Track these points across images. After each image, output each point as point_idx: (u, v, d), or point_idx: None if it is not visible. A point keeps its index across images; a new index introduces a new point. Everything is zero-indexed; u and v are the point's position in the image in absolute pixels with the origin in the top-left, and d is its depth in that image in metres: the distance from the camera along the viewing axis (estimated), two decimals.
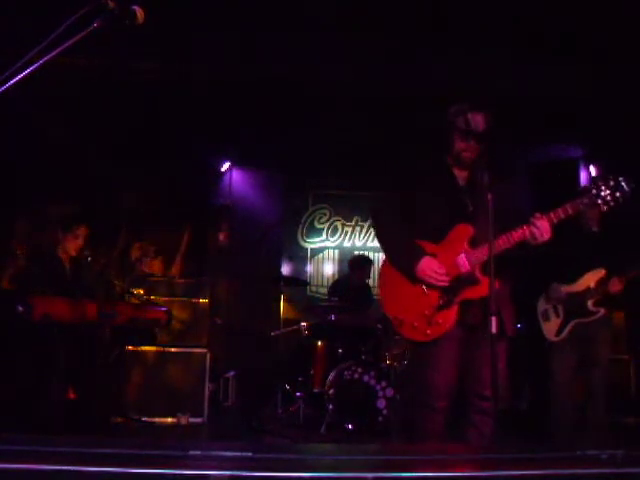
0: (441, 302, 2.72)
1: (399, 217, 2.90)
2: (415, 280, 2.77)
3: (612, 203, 2.53)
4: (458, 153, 2.79)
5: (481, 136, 2.73)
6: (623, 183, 2.52)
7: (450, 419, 2.80)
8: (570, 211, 2.59)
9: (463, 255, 2.71)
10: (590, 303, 3.99)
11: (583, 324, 4.02)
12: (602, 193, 2.53)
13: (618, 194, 2.51)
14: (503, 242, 2.63)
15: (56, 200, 6.40)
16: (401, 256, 2.86)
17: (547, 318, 4.15)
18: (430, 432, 2.76)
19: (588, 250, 3.97)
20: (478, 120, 2.74)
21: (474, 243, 2.69)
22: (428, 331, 2.73)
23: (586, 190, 2.59)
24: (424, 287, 2.76)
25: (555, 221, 2.60)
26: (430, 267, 2.72)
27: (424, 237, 2.81)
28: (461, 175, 2.86)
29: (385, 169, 4.29)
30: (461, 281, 2.70)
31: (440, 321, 2.71)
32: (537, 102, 5.72)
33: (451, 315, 2.71)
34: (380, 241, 3.03)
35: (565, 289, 4.08)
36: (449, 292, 2.71)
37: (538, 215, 2.61)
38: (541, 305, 4.21)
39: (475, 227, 2.69)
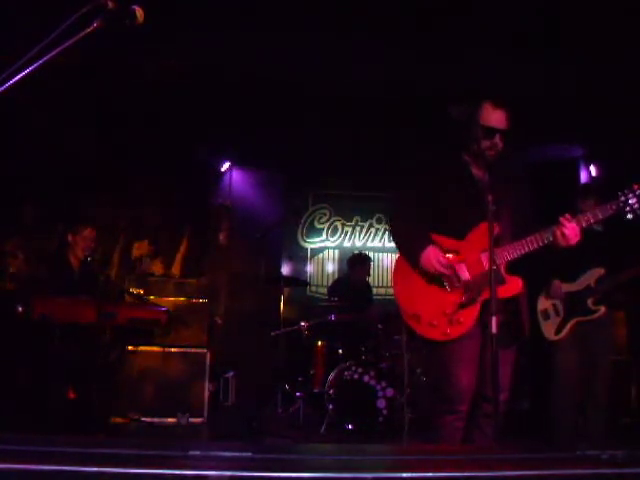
0: (463, 300, 2.66)
1: (417, 215, 2.84)
2: (422, 271, 2.71)
3: (639, 212, 2.55)
4: (481, 151, 2.73)
5: (505, 133, 2.71)
6: None
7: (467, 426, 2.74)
8: (600, 216, 2.61)
9: (488, 253, 2.65)
10: (590, 302, 3.99)
11: (583, 323, 4.02)
12: (630, 201, 2.56)
13: None
14: (531, 243, 2.62)
15: (57, 201, 6.41)
16: (408, 246, 2.81)
17: (547, 317, 4.14)
18: (448, 440, 2.68)
19: (590, 249, 3.97)
20: (499, 116, 2.72)
21: (498, 242, 2.63)
22: (448, 330, 2.66)
23: (614, 197, 2.61)
24: (446, 284, 2.71)
25: (584, 225, 2.61)
26: (433, 256, 2.66)
27: (445, 233, 2.77)
28: (480, 173, 2.81)
29: (389, 169, 4.29)
30: (485, 279, 2.63)
31: (462, 320, 2.64)
32: (537, 102, 5.71)
33: (473, 314, 2.64)
34: (395, 236, 2.98)
35: (565, 287, 4.08)
36: (472, 290, 2.66)
37: (568, 217, 2.60)
38: (541, 304, 4.19)
39: (499, 225, 2.62)
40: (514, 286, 2.62)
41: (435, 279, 2.73)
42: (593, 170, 7.07)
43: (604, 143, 6.40)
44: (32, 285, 4.78)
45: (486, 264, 2.65)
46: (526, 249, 2.63)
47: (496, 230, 2.64)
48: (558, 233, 2.58)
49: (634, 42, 4.69)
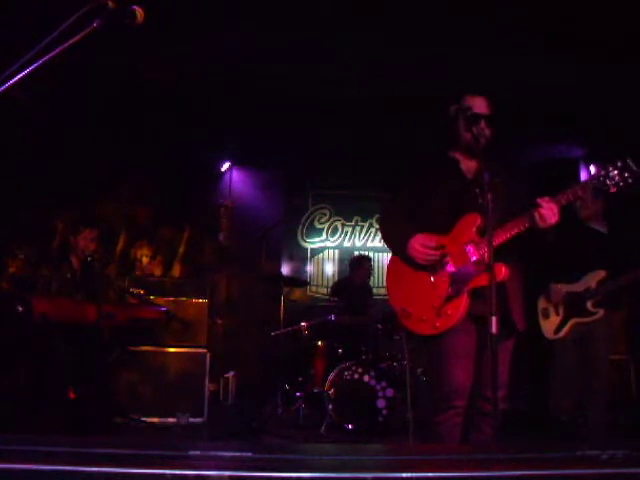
0: (450, 292, 2.67)
1: (406, 213, 2.88)
2: (411, 262, 2.75)
3: (621, 184, 2.50)
4: (469, 142, 2.76)
5: (488, 117, 2.76)
6: (631, 163, 2.48)
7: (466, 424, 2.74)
8: (580, 193, 2.58)
9: (471, 244, 2.68)
10: (590, 304, 4.00)
11: (582, 324, 4.03)
12: (610, 174, 2.51)
13: (627, 174, 2.48)
14: (511, 227, 2.61)
15: (57, 201, 6.41)
16: (397, 240, 2.84)
17: (547, 316, 4.16)
18: (447, 437, 2.67)
19: (593, 251, 3.96)
20: (481, 103, 2.79)
21: (483, 232, 2.63)
22: (437, 323, 2.68)
23: (594, 173, 2.57)
24: (432, 278, 2.74)
25: (564, 203, 2.59)
26: (418, 242, 2.70)
27: (433, 230, 2.78)
28: (469, 169, 2.85)
29: (388, 169, 4.30)
30: (470, 270, 2.65)
31: (450, 312, 2.66)
32: (537, 102, 5.71)
33: (461, 305, 2.65)
34: (383, 234, 3.03)
35: (566, 288, 4.09)
36: (458, 282, 2.67)
37: (546, 198, 2.58)
38: (541, 303, 4.21)
39: (484, 217, 2.60)
40: (498, 273, 2.61)
41: (422, 273, 2.76)
42: (593, 170, 7.07)
43: (604, 143, 6.40)
44: (33, 285, 4.78)
45: (471, 255, 2.67)
46: (507, 235, 2.62)
47: (480, 221, 2.66)
48: (536, 215, 2.57)
49: (634, 42, 4.69)
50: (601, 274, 4.00)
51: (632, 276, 3.89)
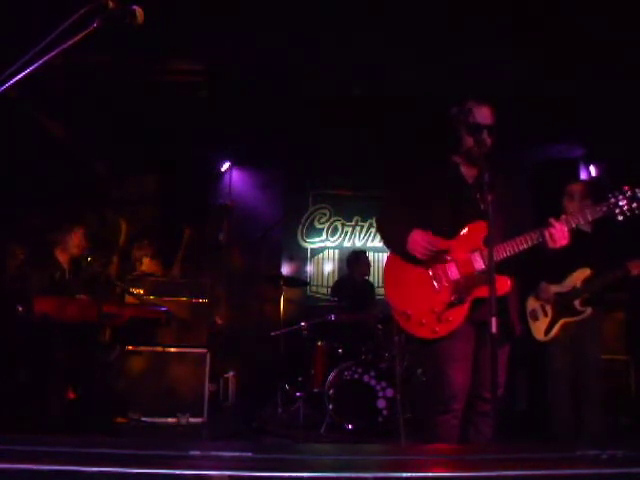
0: (453, 299, 2.68)
1: (405, 214, 2.87)
2: (413, 262, 2.74)
3: (629, 213, 2.57)
4: (469, 150, 2.76)
5: (490, 128, 2.73)
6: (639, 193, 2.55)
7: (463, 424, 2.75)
8: (589, 217, 2.63)
9: (477, 253, 2.69)
10: (577, 303, 4.02)
11: (571, 323, 4.05)
12: (620, 203, 2.57)
13: (634, 205, 2.55)
14: (519, 242, 2.63)
15: (57, 200, 6.41)
16: (396, 236, 2.83)
17: (536, 317, 4.16)
18: (445, 438, 2.68)
19: (577, 249, 3.97)
20: (485, 113, 2.75)
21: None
22: (437, 328, 2.68)
23: (605, 199, 2.62)
24: (435, 283, 2.74)
25: (573, 225, 2.62)
26: (418, 234, 2.69)
27: (436, 234, 2.77)
28: (469, 173, 2.84)
29: (387, 169, 4.31)
30: (474, 279, 2.66)
31: (450, 318, 2.67)
32: (537, 102, 5.71)
33: (462, 313, 2.67)
34: (382, 234, 3.01)
35: (552, 289, 4.11)
36: (461, 290, 2.68)
37: (556, 219, 2.61)
38: (530, 305, 4.20)
39: (489, 225, 2.60)
40: (503, 285, 2.62)
41: (425, 277, 2.75)
42: (593, 170, 7.07)
43: (604, 143, 6.40)
44: (21, 284, 4.76)
45: (476, 264, 2.68)
46: (515, 249, 2.64)
47: (486, 229, 2.62)
48: (546, 234, 2.60)
49: (634, 42, 4.69)
50: (586, 272, 4.01)
51: (617, 273, 3.91)
